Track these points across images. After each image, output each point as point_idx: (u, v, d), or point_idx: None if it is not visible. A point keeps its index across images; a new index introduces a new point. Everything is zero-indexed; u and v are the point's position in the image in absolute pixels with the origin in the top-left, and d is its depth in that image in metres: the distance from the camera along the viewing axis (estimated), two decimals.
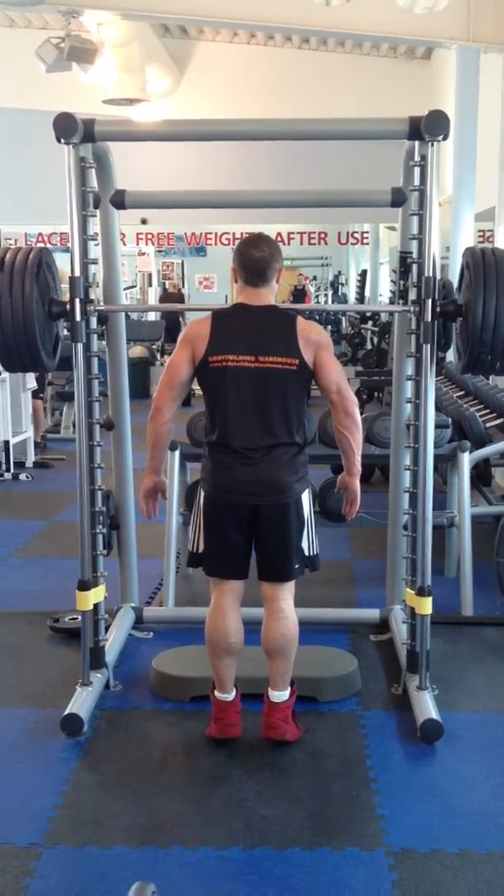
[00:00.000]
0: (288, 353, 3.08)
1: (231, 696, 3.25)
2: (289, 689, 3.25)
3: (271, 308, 3.20)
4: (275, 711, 3.21)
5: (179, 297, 15.07)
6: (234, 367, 3.09)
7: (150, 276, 15.76)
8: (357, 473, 3.28)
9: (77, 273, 3.44)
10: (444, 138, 3.36)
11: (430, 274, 3.40)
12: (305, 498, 3.20)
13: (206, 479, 3.20)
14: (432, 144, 3.35)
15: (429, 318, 3.41)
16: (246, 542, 3.17)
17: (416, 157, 3.43)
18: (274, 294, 3.23)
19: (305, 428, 3.25)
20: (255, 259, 3.14)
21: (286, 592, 3.22)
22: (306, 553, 3.22)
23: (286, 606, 3.21)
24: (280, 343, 3.10)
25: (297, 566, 3.20)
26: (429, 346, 3.44)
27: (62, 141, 3.36)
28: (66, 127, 3.33)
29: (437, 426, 4.15)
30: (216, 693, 3.25)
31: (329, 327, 15.15)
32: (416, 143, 3.44)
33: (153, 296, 15.55)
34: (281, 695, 3.22)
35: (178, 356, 3.18)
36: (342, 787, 3.05)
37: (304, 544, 3.21)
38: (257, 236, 3.25)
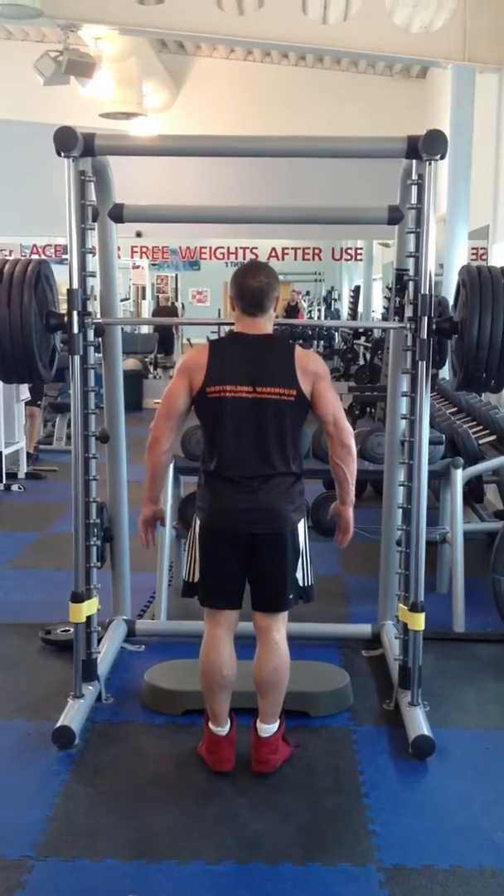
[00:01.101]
0: (286, 383, 3.08)
1: (225, 730, 3.21)
2: (278, 720, 3.24)
3: (269, 337, 3.19)
4: (265, 746, 3.19)
5: (172, 310, 15.10)
6: (232, 397, 3.07)
7: (143, 289, 15.80)
8: (351, 503, 3.28)
9: (76, 286, 3.45)
10: (442, 157, 3.39)
11: (427, 291, 3.42)
12: (301, 527, 3.19)
13: (203, 507, 3.18)
14: (430, 163, 3.38)
15: (425, 335, 3.43)
16: (241, 571, 3.15)
17: (414, 176, 3.46)
18: (271, 322, 3.21)
19: (301, 458, 3.25)
20: (252, 289, 3.12)
21: (280, 623, 3.21)
22: (300, 584, 3.21)
23: (279, 638, 3.19)
24: (278, 373, 3.09)
25: (290, 596, 3.18)
26: (424, 363, 3.46)
27: (62, 154, 3.38)
28: (66, 140, 3.35)
29: (431, 443, 4.17)
30: (210, 725, 3.23)
31: (322, 343, 15.19)
32: (414, 161, 3.47)
33: (146, 309, 15.58)
34: (270, 728, 3.20)
35: (176, 386, 3.15)
36: (334, 802, 3.05)
37: (299, 574, 3.19)
38: (255, 265, 3.24)
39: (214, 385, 3.08)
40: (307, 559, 3.24)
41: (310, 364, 3.14)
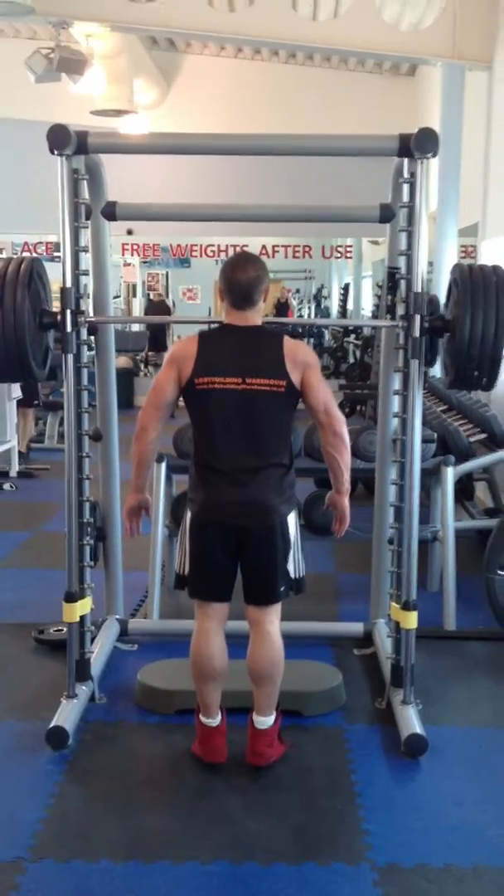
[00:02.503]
0: (275, 374, 3.07)
1: (216, 721, 3.22)
2: (274, 713, 3.24)
3: (258, 329, 3.18)
4: (260, 738, 3.20)
5: (164, 307, 15.06)
6: (221, 388, 3.06)
7: (134, 286, 15.77)
8: (346, 492, 3.28)
9: (69, 284, 3.44)
10: (434, 156, 3.39)
11: (419, 289, 3.43)
12: (292, 519, 3.19)
13: (194, 499, 3.18)
14: (422, 162, 3.38)
15: (417, 333, 3.44)
16: (231, 564, 3.15)
17: (406, 174, 3.46)
18: (260, 314, 3.20)
19: (292, 449, 3.25)
20: (240, 283, 3.11)
21: (272, 616, 3.21)
22: (292, 575, 3.21)
23: (272, 630, 3.20)
24: (267, 364, 3.08)
25: (282, 588, 3.19)
26: (416, 361, 3.46)
27: (55, 152, 3.36)
28: (59, 138, 3.34)
29: (423, 441, 4.17)
30: (201, 717, 3.23)
31: (312, 340, 15.19)
32: (406, 159, 3.47)
33: (137, 306, 15.55)
34: (267, 720, 3.21)
35: (164, 376, 3.15)
36: (327, 801, 3.05)
37: (290, 566, 3.19)
38: (243, 257, 3.22)
39: (203, 376, 3.08)
40: (298, 550, 3.24)
41: (299, 354, 3.13)
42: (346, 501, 3.29)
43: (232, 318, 3.17)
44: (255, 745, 3.20)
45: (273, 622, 3.20)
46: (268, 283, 3.22)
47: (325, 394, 3.17)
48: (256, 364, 3.09)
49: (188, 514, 3.21)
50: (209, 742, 3.22)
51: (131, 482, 3.29)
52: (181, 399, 3.18)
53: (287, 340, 3.15)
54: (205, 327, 3.38)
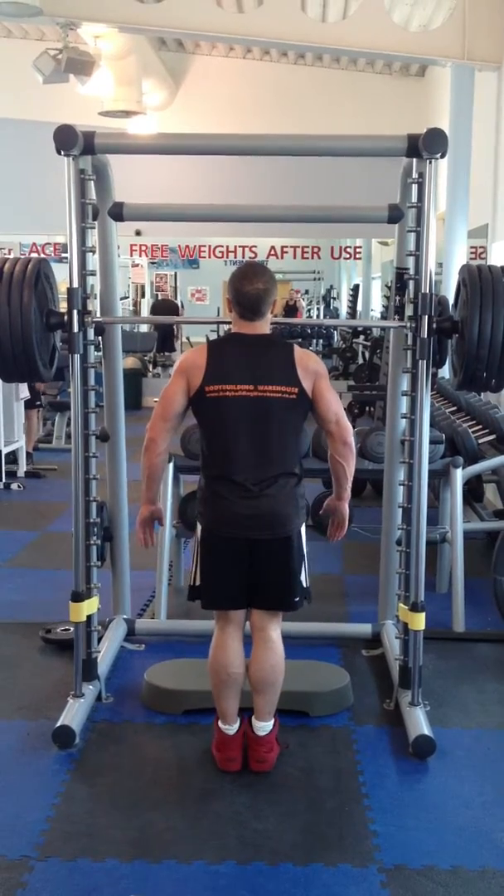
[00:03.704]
0: (287, 381, 3.06)
1: (234, 728, 3.21)
2: (273, 718, 3.24)
3: (267, 337, 3.18)
4: (261, 745, 3.20)
5: (173, 306, 15.06)
6: (233, 396, 3.05)
7: (142, 287, 15.79)
8: (347, 499, 3.29)
9: (76, 284, 3.44)
10: (443, 156, 3.38)
11: (428, 290, 3.42)
12: (303, 529, 3.19)
13: (205, 512, 3.16)
14: (430, 162, 3.38)
15: (425, 334, 3.43)
16: (245, 574, 3.13)
17: (414, 175, 3.46)
18: (269, 324, 3.20)
19: (302, 459, 3.25)
20: (248, 295, 3.09)
21: (277, 622, 3.22)
22: (304, 585, 3.21)
23: (276, 636, 3.20)
24: (278, 372, 3.08)
25: (297, 598, 3.19)
26: (425, 362, 3.46)
27: (62, 153, 3.37)
28: (66, 139, 3.34)
29: (431, 442, 4.16)
30: (219, 723, 3.23)
31: (321, 341, 15.18)
32: (415, 160, 3.46)
33: (146, 307, 15.56)
34: (267, 725, 3.21)
35: (173, 387, 3.13)
36: (335, 802, 3.05)
37: (303, 577, 3.20)
38: (252, 269, 3.19)
39: (214, 384, 3.06)
40: (306, 561, 3.23)
41: (310, 363, 3.13)
42: (346, 508, 3.31)
43: (240, 327, 3.17)
44: (256, 751, 3.19)
45: (276, 629, 3.21)
46: (276, 295, 3.22)
47: (336, 404, 3.17)
48: (268, 371, 3.07)
49: (199, 528, 3.20)
50: (226, 750, 3.21)
51: (142, 494, 3.27)
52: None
53: (297, 349, 3.14)
54: (213, 333, 3.38)
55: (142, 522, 3.30)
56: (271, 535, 3.08)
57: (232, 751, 3.20)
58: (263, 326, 3.17)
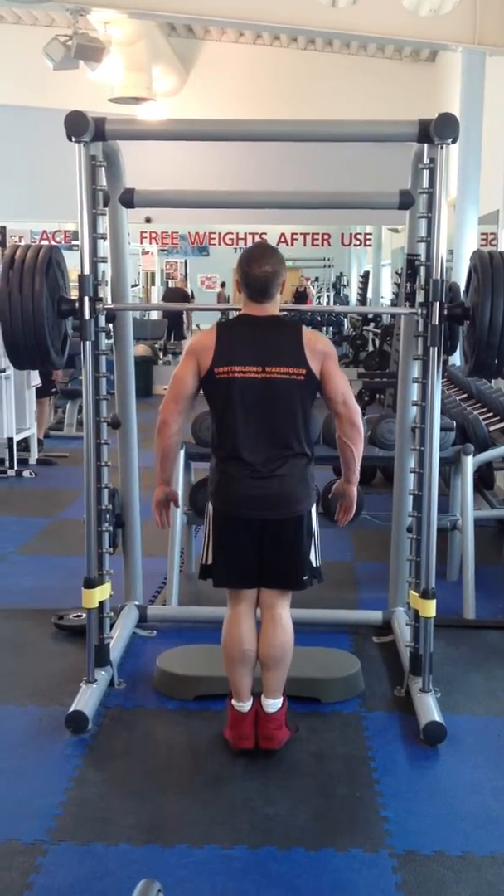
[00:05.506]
0: (295, 363, 3.07)
1: (247, 706, 3.22)
2: (282, 696, 3.26)
3: (276, 318, 3.19)
4: (270, 722, 3.21)
5: (185, 294, 15.05)
6: (241, 377, 3.06)
7: (153, 274, 15.78)
8: (355, 482, 3.30)
9: (87, 271, 3.44)
10: (454, 141, 3.37)
11: (439, 277, 3.41)
12: (314, 510, 3.21)
13: (215, 493, 3.18)
14: (442, 147, 3.36)
15: (436, 321, 3.42)
16: (256, 553, 3.15)
17: (426, 160, 3.44)
18: (278, 305, 3.21)
19: (312, 440, 3.25)
20: (257, 277, 3.10)
21: (286, 601, 3.24)
22: (314, 564, 3.23)
23: (285, 614, 3.22)
24: (286, 353, 3.08)
25: (306, 577, 3.21)
26: (436, 349, 3.45)
27: (73, 139, 3.36)
28: (77, 125, 3.34)
29: (442, 429, 4.15)
30: (233, 701, 3.25)
31: (331, 329, 15.16)
32: (426, 145, 3.45)
33: (156, 294, 15.56)
34: (275, 703, 3.22)
35: (183, 368, 3.15)
36: (346, 788, 3.06)
37: (312, 556, 3.21)
38: (261, 249, 3.21)
39: (223, 366, 3.08)
40: (318, 540, 3.25)
41: (318, 344, 3.14)
42: (354, 491, 3.32)
43: (249, 309, 3.17)
44: (265, 729, 3.21)
45: (286, 607, 3.23)
46: (285, 276, 3.22)
47: (344, 384, 3.18)
48: (276, 353, 3.09)
49: (210, 507, 3.22)
50: (239, 728, 3.23)
51: (157, 475, 3.29)
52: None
53: (305, 330, 3.15)
54: (223, 316, 3.38)
55: (157, 504, 3.32)
56: (281, 515, 3.10)
57: (244, 728, 3.22)
58: (273, 308, 3.17)
